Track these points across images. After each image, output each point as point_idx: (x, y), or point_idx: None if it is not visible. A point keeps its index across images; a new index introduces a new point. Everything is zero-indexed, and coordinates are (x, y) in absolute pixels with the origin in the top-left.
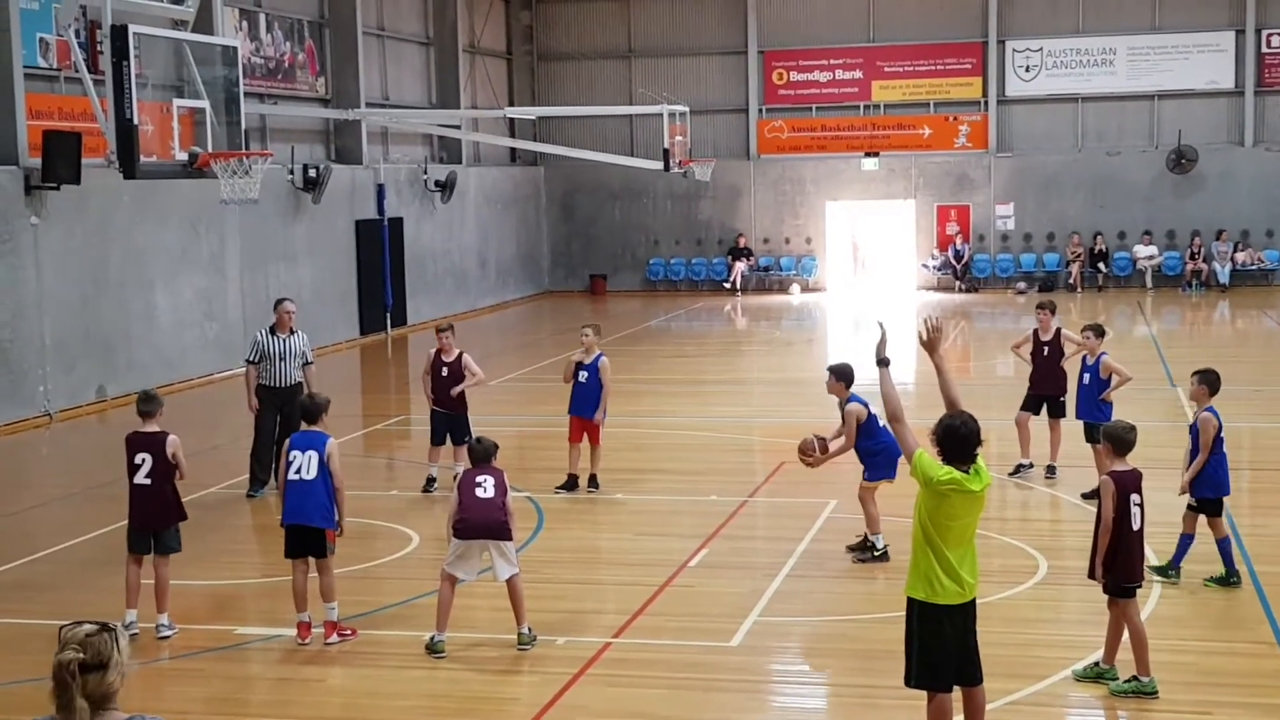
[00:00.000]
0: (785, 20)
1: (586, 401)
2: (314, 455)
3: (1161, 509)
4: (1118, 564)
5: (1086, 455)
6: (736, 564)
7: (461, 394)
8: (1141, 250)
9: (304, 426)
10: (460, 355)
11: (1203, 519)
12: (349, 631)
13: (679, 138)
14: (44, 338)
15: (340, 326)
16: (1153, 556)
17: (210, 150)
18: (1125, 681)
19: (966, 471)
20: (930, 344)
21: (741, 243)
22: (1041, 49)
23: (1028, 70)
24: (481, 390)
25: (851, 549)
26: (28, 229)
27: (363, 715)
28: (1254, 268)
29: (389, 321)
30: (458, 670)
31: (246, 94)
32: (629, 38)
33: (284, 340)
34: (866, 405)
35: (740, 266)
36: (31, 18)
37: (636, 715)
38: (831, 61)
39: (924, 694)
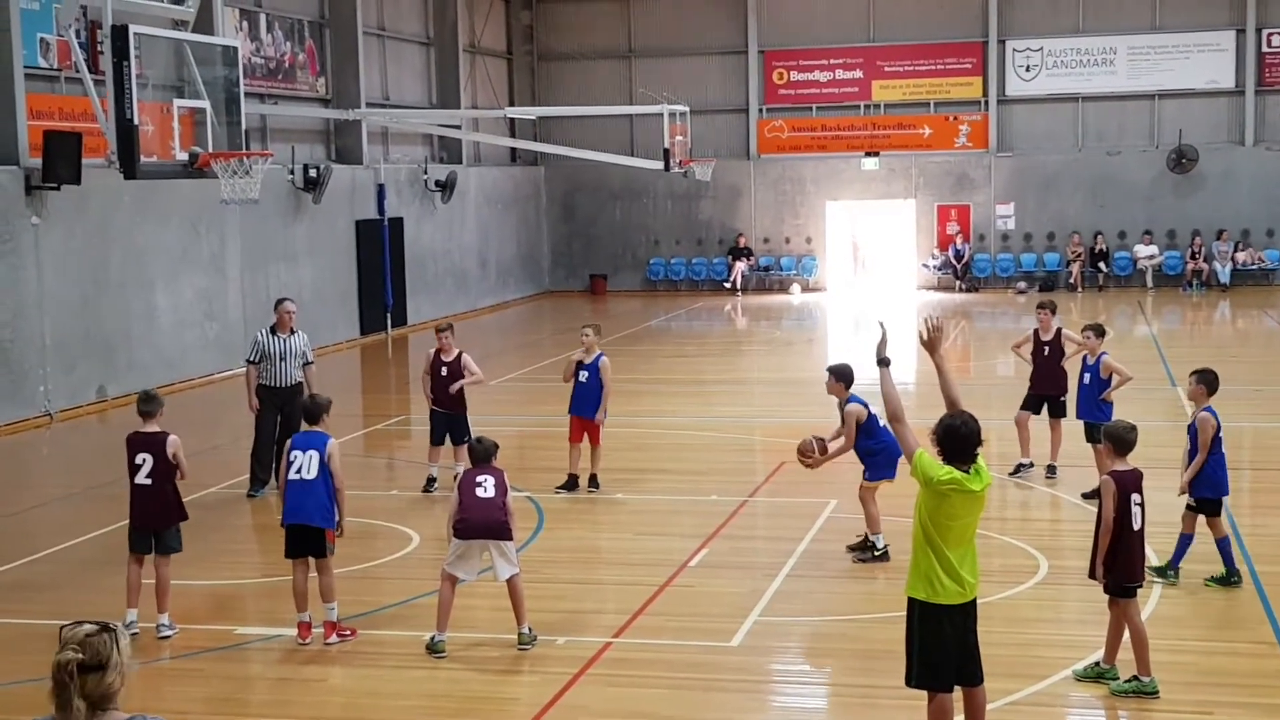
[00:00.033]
0: (785, 20)
1: (587, 401)
2: (315, 455)
3: (1162, 509)
4: (1118, 564)
5: (1087, 455)
6: (737, 564)
7: (461, 394)
8: (1142, 250)
9: (305, 427)
10: (460, 355)
11: (1202, 519)
12: (349, 632)
13: (679, 137)
14: (44, 338)
15: (340, 326)
16: (1153, 557)
17: (210, 150)
18: (1126, 681)
19: (967, 471)
20: (930, 344)
21: (742, 242)
22: (1042, 49)
23: (1028, 70)
24: (482, 390)
25: (852, 549)
26: (28, 229)
27: (363, 715)
28: (1254, 267)
29: (389, 321)
30: (458, 670)
31: (247, 94)
32: (629, 37)
33: (284, 340)
34: (866, 405)
35: (740, 266)
36: (32, 18)
37: (637, 715)
38: (832, 61)
39: (924, 694)
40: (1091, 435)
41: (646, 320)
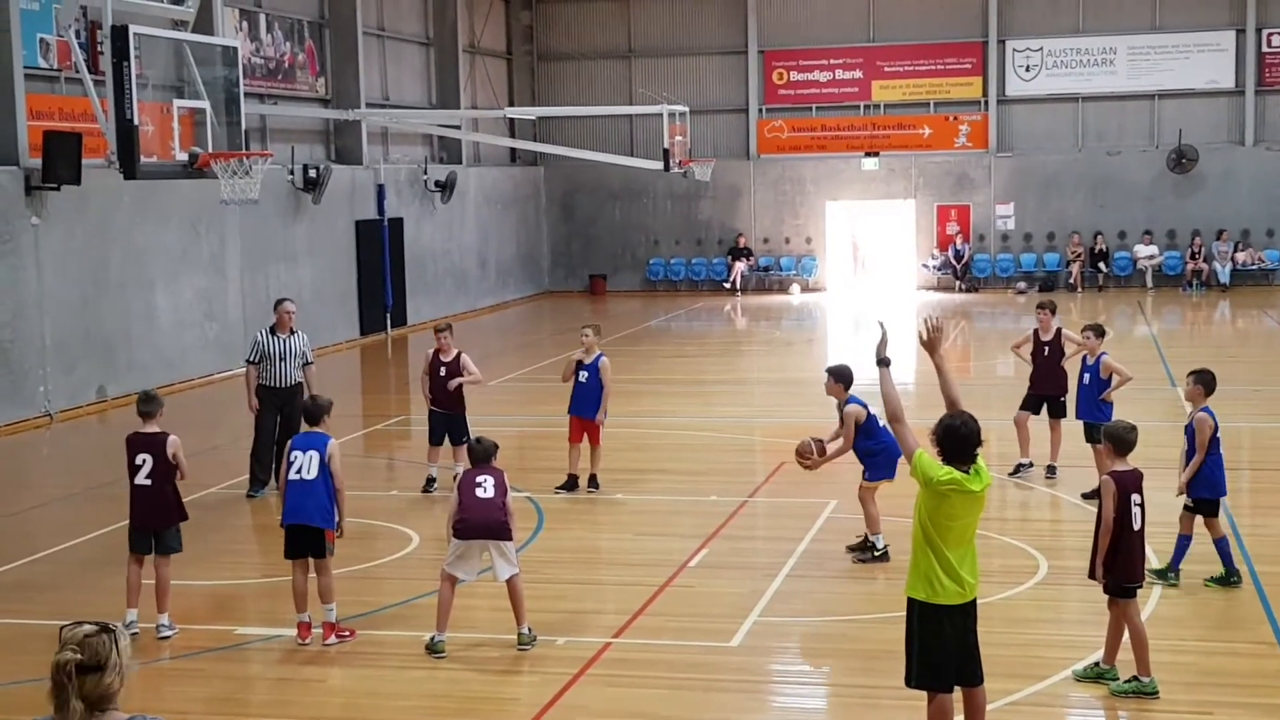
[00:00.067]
0: (785, 20)
1: (587, 401)
2: (315, 455)
3: (1162, 509)
4: (1118, 564)
5: (1087, 455)
6: (737, 564)
7: (460, 395)
8: (1142, 250)
9: (305, 428)
10: (459, 355)
11: (1200, 520)
12: (347, 633)
13: (679, 138)
14: (44, 338)
15: (340, 327)
16: (1153, 557)
17: (210, 150)
18: (1126, 682)
19: (966, 471)
20: (930, 344)
21: (741, 243)
22: (1042, 49)
23: (1028, 70)
24: (481, 390)
25: (852, 549)
26: (28, 229)
27: (363, 715)
28: (1254, 267)
29: (389, 322)
30: (458, 670)
31: (247, 94)
32: (629, 38)
33: (284, 340)
34: (865, 406)
35: (740, 266)
36: (32, 18)
37: (637, 715)
38: (831, 61)
39: (924, 694)
40: (1091, 435)
41: (646, 320)
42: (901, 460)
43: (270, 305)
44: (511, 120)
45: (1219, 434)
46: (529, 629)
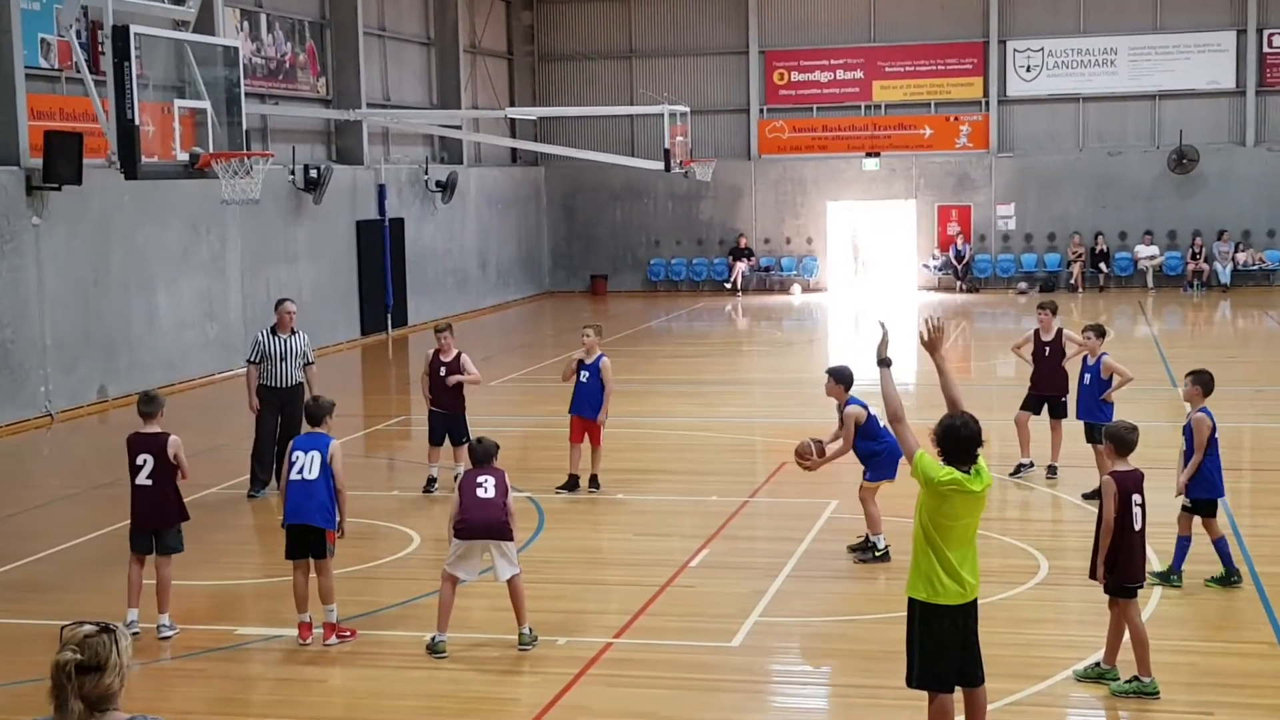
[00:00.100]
0: (786, 20)
1: (588, 401)
2: (317, 455)
3: (1163, 509)
4: (1119, 564)
5: (1087, 455)
6: (737, 564)
7: (460, 395)
8: (1143, 250)
9: (307, 428)
10: (459, 355)
11: (1197, 520)
12: (348, 633)
13: (680, 138)
14: (45, 338)
15: (341, 327)
16: (1155, 560)
17: (211, 151)
18: (1126, 682)
19: (967, 472)
20: (931, 344)
21: (742, 243)
22: (1042, 49)
23: (1029, 70)
24: (483, 390)
25: (853, 549)
26: (29, 229)
27: (364, 715)
28: (1255, 268)
29: (390, 322)
30: (459, 670)
31: (247, 94)
32: (630, 38)
33: (285, 340)
34: (866, 407)
35: (741, 267)
36: (33, 18)
37: (638, 715)
38: (832, 62)
39: (925, 694)
40: (1092, 436)
41: (647, 321)
42: (902, 460)
43: (271, 305)
44: (512, 120)
45: (1217, 434)
46: (530, 629)
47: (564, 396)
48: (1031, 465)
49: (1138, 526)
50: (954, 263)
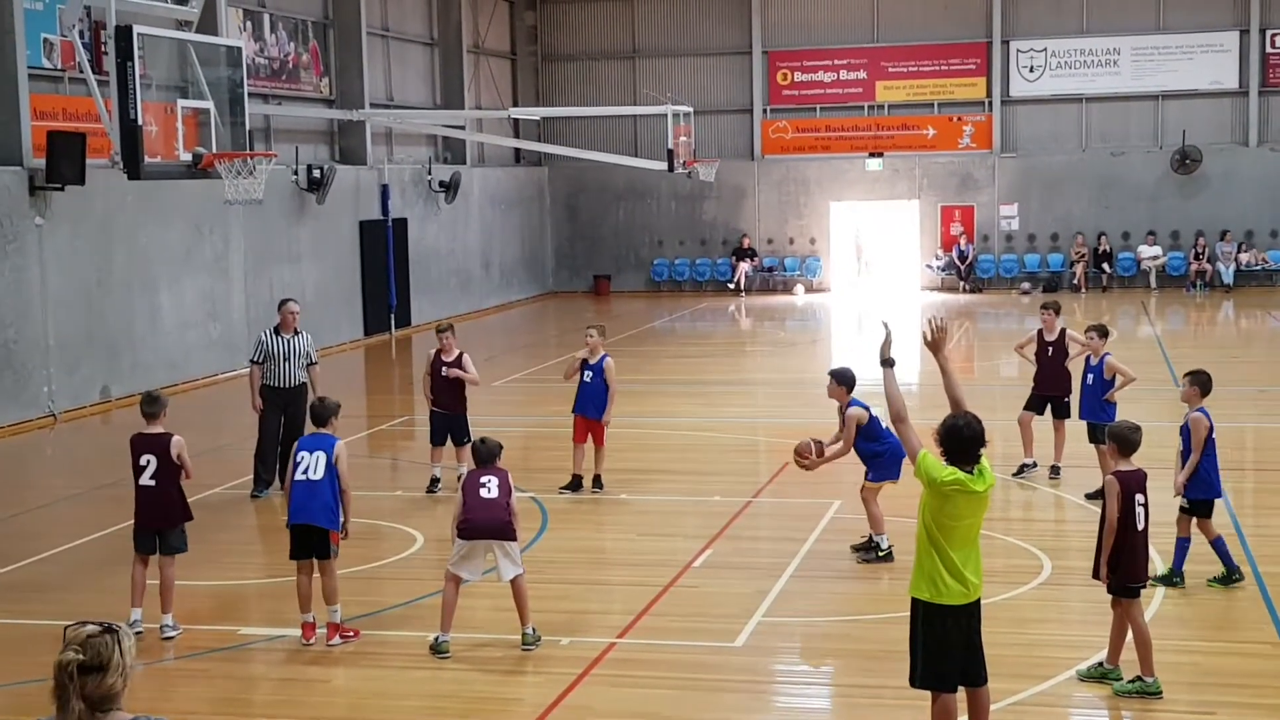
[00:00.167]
0: (789, 21)
1: (591, 401)
2: (322, 456)
3: (1166, 509)
4: (1122, 564)
5: (1090, 455)
6: (740, 564)
7: (461, 395)
8: (1146, 250)
9: (313, 429)
10: (460, 356)
11: (1194, 521)
12: (351, 633)
13: (683, 138)
14: (48, 338)
15: (344, 327)
16: (1158, 563)
17: (214, 151)
18: (1129, 682)
19: (970, 472)
20: (935, 344)
21: (745, 243)
22: (1046, 49)
23: (1032, 70)
24: (486, 391)
25: (856, 549)
26: (32, 229)
27: (367, 715)
28: (1258, 268)
29: (393, 322)
30: (462, 670)
31: (251, 94)
32: (633, 38)
33: (288, 340)
34: (868, 409)
35: (744, 267)
36: (36, 18)
37: (641, 715)
38: (836, 62)
39: (929, 694)
40: (1095, 436)
41: (650, 321)
42: (906, 460)
43: (274, 305)
44: (516, 121)
45: (1214, 434)
46: (533, 629)
47: (567, 397)
48: (1034, 465)
49: (1140, 526)
50: (957, 263)
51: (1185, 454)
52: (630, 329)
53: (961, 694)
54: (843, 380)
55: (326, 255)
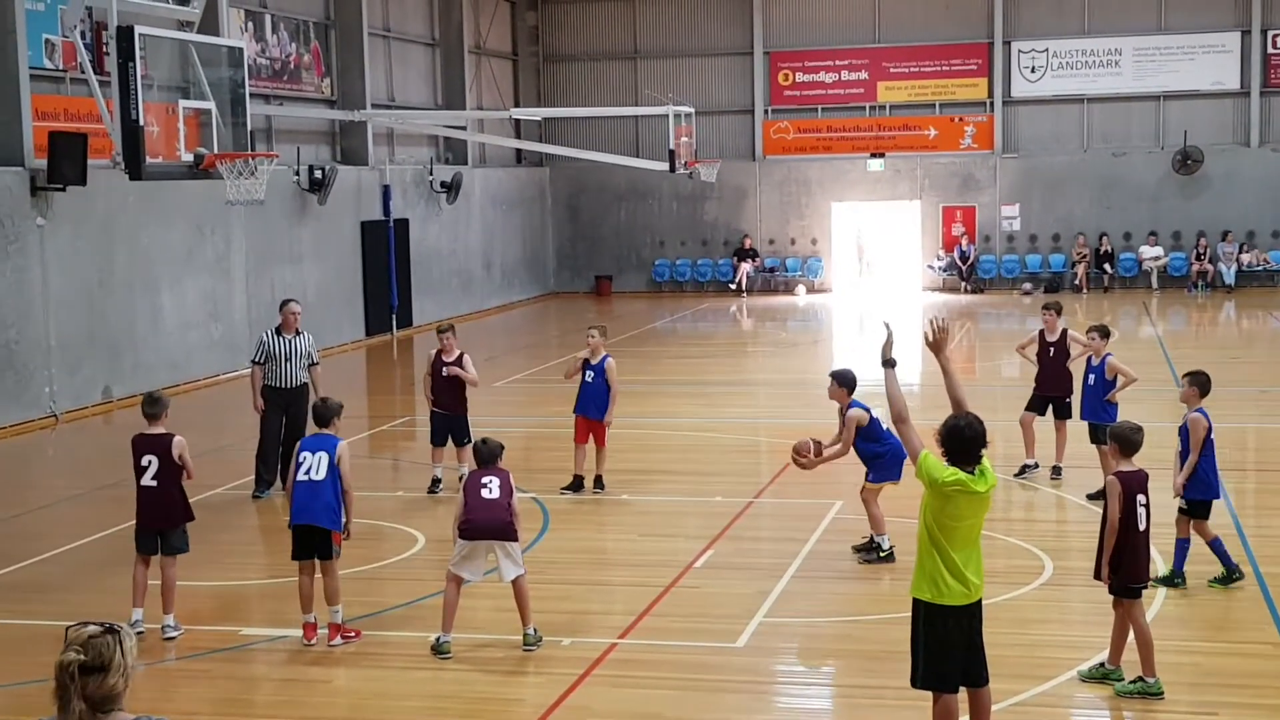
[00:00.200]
0: (791, 21)
1: (593, 401)
2: (324, 456)
3: (1167, 510)
4: (1124, 565)
5: (1091, 456)
6: (742, 565)
7: (461, 396)
8: (1147, 251)
9: (315, 430)
10: (461, 356)
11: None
12: (353, 634)
13: (684, 139)
14: (50, 339)
15: (346, 327)
16: (1160, 565)
17: (216, 151)
18: (1131, 682)
19: (972, 472)
20: (936, 345)
21: (747, 244)
22: (1047, 50)
23: (1033, 71)
24: (487, 391)
25: (857, 550)
26: (34, 230)
27: (369, 716)
28: (1259, 268)
29: (394, 322)
30: (463, 671)
31: (252, 95)
32: (635, 39)
33: (289, 341)
34: (868, 410)
35: (745, 267)
36: (37, 19)
37: (642, 716)
38: (837, 62)
39: (930, 695)
40: (1096, 436)
41: (652, 321)
42: (906, 461)
43: (275, 306)
44: (517, 121)
45: (1213, 435)
46: (534, 630)
47: (568, 397)
48: (1036, 466)
49: (1142, 527)
50: (959, 263)
51: (1184, 455)
52: (631, 330)
53: (963, 694)
54: (844, 382)
55: (328, 256)
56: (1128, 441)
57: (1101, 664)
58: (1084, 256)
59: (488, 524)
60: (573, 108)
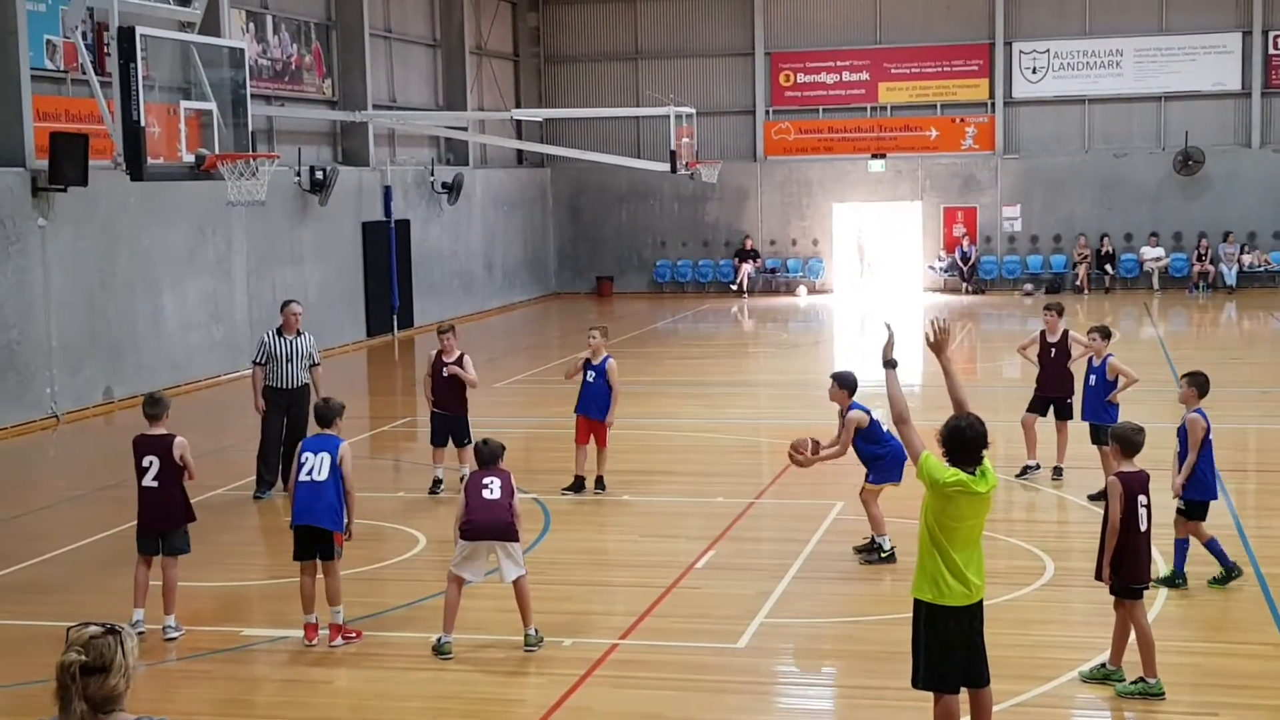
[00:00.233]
0: (792, 22)
1: (594, 402)
2: (326, 457)
3: (1169, 510)
4: (1125, 565)
5: (1093, 456)
6: (743, 566)
7: (461, 396)
8: (1148, 252)
9: (317, 430)
10: (461, 357)
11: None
12: (354, 634)
13: (686, 139)
14: (51, 339)
15: (347, 328)
16: (1161, 566)
17: (217, 152)
18: (1132, 683)
19: (973, 473)
20: (937, 345)
21: (748, 244)
22: (1048, 50)
23: (1034, 72)
24: (487, 392)
25: (858, 550)
26: (35, 231)
27: (370, 717)
28: (1261, 269)
29: (395, 323)
30: (464, 672)
31: (253, 96)
32: (636, 39)
33: (290, 342)
34: (868, 412)
35: (747, 268)
36: (38, 20)
37: (643, 717)
38: (838, 63)
39: (931, 695)
40: (1097, 437)
41: (653, 322)
42: (907, 462)
43: (277, 307)
44: (518, 122)
45: (1211, 436)
46: (535, 630)
47: (569, 398)
48: (1037, 467)
49: (1143, 527)
50: (960, 264)
51: (1182, 455)
52: (633, 330)
53: (964, 695)
54: (844, 384)
55: (329, 256)
56: (1129, 442)
57: (1103, 664)
58: (1085, 257)
59: (489, 525)
60: (574, 108)
